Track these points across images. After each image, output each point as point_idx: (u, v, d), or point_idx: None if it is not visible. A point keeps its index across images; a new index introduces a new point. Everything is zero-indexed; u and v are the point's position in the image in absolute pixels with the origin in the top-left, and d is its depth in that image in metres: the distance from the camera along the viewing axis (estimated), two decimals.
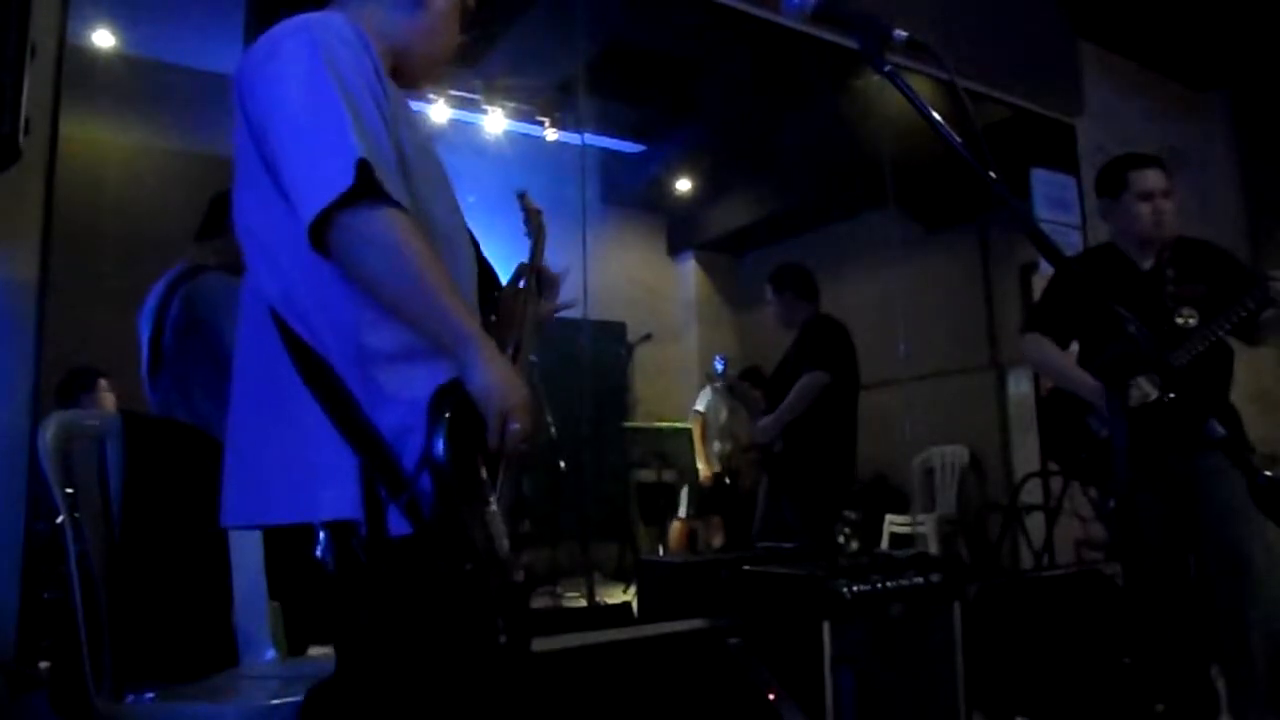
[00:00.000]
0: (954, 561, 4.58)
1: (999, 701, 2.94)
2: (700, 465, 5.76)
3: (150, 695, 1.68)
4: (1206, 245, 2.76)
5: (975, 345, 5.98)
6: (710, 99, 6.11)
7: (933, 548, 5.14)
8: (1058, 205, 4.96)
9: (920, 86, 1.29)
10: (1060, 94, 5.22)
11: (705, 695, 2.46)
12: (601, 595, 4.53)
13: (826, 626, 2.42)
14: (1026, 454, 5.40)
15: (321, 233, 1.12)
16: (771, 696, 2.40)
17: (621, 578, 5.13)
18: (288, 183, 1.15)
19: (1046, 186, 4.98)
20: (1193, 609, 2.60)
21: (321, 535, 1.15)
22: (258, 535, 1.86)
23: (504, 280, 1.56)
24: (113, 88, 4.15)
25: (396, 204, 1.14)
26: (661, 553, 5.58)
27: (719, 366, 5.77)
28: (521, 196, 1.74)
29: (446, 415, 1.12)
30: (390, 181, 1.14)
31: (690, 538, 5.80)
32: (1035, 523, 4.87)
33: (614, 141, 6.59)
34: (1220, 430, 2.54)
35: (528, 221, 1.70)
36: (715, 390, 5.95)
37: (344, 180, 1.10)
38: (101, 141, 4.20)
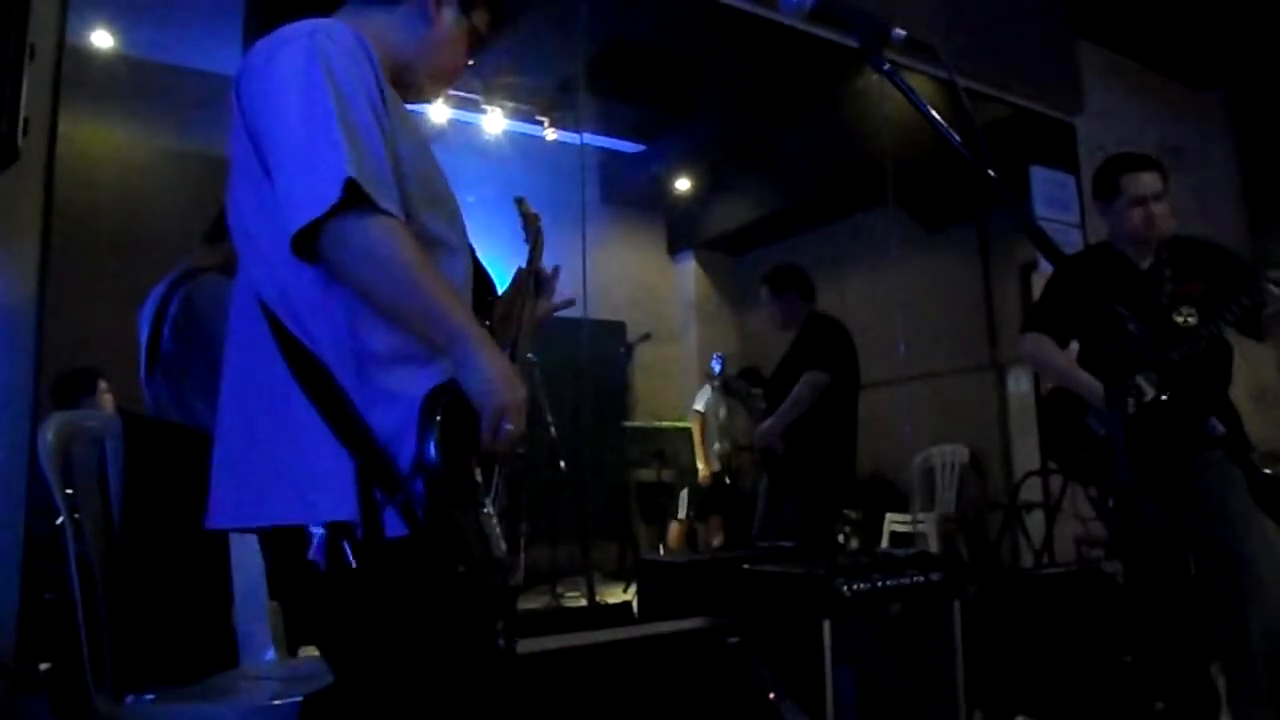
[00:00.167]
0: (954, 560, 4.58)
1: (999, 700, 2.94)
2: (700, 465, 5.77)
3: (150, 696, 1.68)
4: (1205, 243, 2.76)
5: (975, 345, 5.98)
6: (710, 99, 6.11)
7: (933, 547, 5.14)
8: (1057, 204, 4.96)
9: (920, 85, 1.30)
10: (1060, 93, 5.22)
11: (705, 695, 2.45)
12: (601, 595, 4.52)
13: (827, 625, 2.42)
14: (1026, 453, 5.40)
15: (309, 242, 1.12)
16: (771, 696, 2.40)
17: (621, 578, 5.12)
18: (278, 192, 1.15)
19: (1046, 185, 4.98)
20: (1193, 608, 2.60)
21: (315, 537, 1.14)
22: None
23: (501, 285, 1.56)
24: (112, 88, 4.15)
25: (387, 212, 1.14)
26: (661, 552, 5.58)
27: (716, 367, 5.77)
28: (519, 202, 1.74)
29: (438, 418, 1.12)
30: (382, 192, 1.14)
31: (690, 537, 5.80)
32: (1035, 521, 4.87)
33: (614, 141, 6.60)
34: (1220, 428, 2.55)
35: (526, 227, 1.70)
36: (714, 389, 5.95)
37: (331, 195, 1.10)
38: (100, 142, 4.20)
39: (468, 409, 1.16)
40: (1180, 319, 2.57)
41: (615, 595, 4.71)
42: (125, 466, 1.83)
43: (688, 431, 5.80)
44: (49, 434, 1.73)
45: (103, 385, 3.18)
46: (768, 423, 3.90)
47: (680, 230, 7.78)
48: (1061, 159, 5.13)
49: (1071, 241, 4.80)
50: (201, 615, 1.91)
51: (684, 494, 5.74)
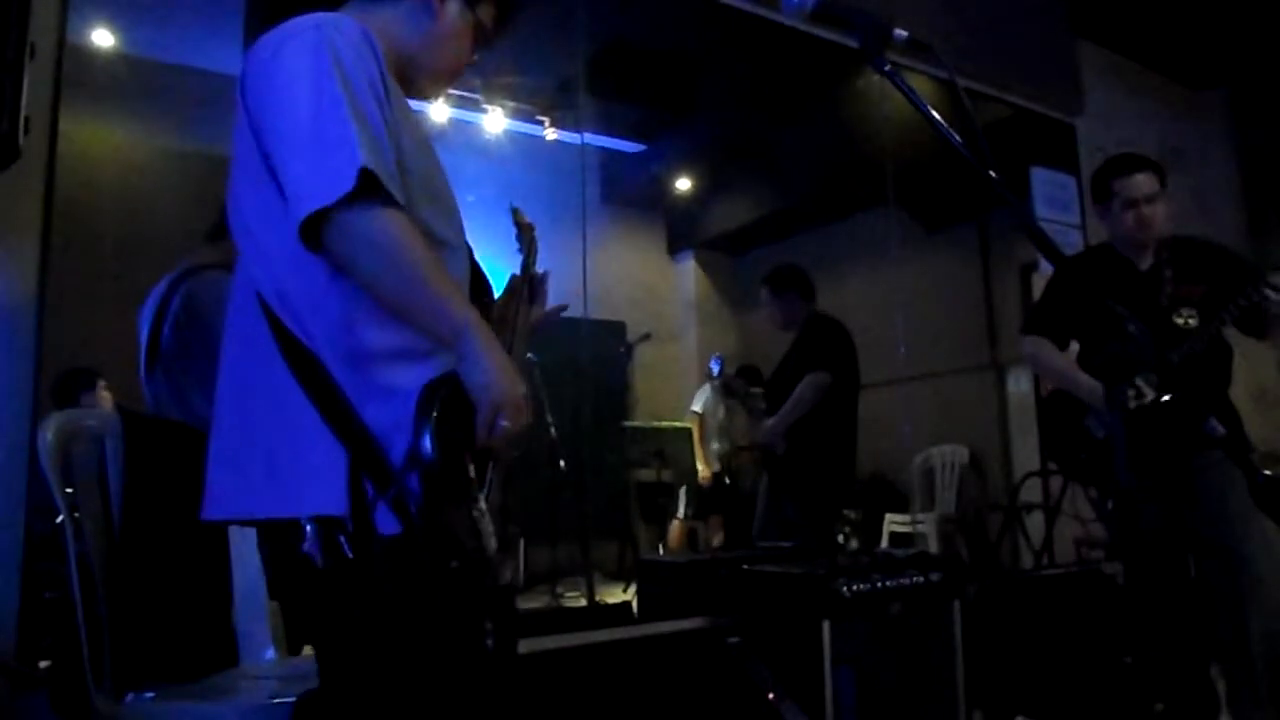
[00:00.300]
0: (954, 561, 4.58)
1: (999, 701, 2.94)
2: (699, 465, 5.77)
3: (150, 695, 1.68)
4: (1205, 244, 2.76)
5: (975, 345, 5.98)
6: (710, 99, 6.11)
7: (933, 547, 5.14)
8: (1057, 205, 4.96)
9: (920, 86, 1.30)
10: (1060, 93, 5.22)
11: (705, 695, 2.45)
12: (601, 595, 4.52)
13: (826, 626, 2.42)
14: (1026, 453, 5.40)
15: (315, 231, 1.12)
16: (771, 696, 2.40)
17: (621, 577, 5.12)
18: (285, 180, 1.15)
19: (1046, 186, 4.98)
20: (1193, 609, 2.60)
21: (308, 530, 1.14)
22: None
23: (497, 286, 1.56)
24: (112, 88, 4.15)
25: (395, 204, 1.14)
26: (661, 552, 5.58)
27: (714, 368, 5.78)
28: (514, 211, 1.74)
29: (435, 412, 1.12)
30: (390, 185, 1.14)
31: (690, 537, 5.80)
32: (1035, 522, 4.87)
33: (614, 141, 6.60)
34: (1220, 429, 2.55)
35: (520, 236, 1.70)
36: (713, 389, 5.96)
37: (345, 183, 1.10)
38: (101, 141, 4.20)
39: (465, 404, 1.16)
40: (1180, 320, 2.58)
41: (615, 595, 4.71)
42: (125, 465, 1.83)
43: (688, 431, 5.80)
44: (49, 433, 1.73)
45: (101, 383, 3.18)
46: (770, 423, 3.91)
47: (680, 230, 7.78)
48: (1062, 159, 5.13)
49: (1072, 243, 4.80)
50: (201, 614, 1.91)
51: (683, 494, 5.74)
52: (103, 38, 4.19)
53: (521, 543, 4.77)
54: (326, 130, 1.13)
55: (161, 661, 1.75)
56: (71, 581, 1.67)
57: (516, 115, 5.83)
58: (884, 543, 5.43)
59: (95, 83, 3.96)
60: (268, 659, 1.96)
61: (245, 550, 1.90)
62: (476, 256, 1.43)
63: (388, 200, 1.13)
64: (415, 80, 1.40)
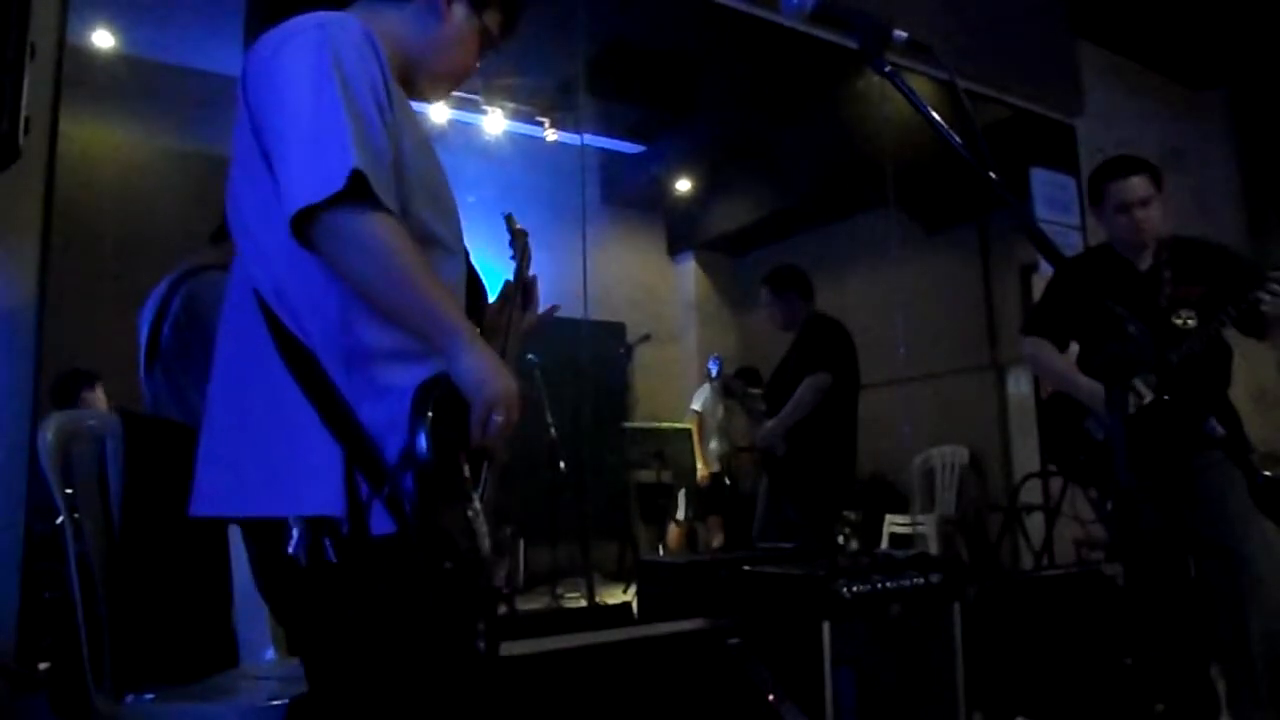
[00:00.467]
0: (954, 561, 4.58)
1: (999, 701, 2.94)
2: (699, 465, 5.77)
3: (150, 695, 1.68)
4: (1205, 244, 2.77)
5: (975, 345, 5.98)
6: (710, 99, 6.11)
7: (933, 548, 5.14)
8: (1057, 205, 4.96)
9: (920, 86, 1.30)
10: (1060, 94, 5.22)
11: (705, 695, 2.45)
12: (601, 595, 4.53)
13: (826, 626, 2.42)
14: (1026, 454, 5.40)
15: (306, 228, 1.12)
16: (771, 698, 2.40)
17: (621, 578, 5.13)
18: (280, 176, 1.15)
19: (1046, 187, 4.98)
20: (1192, 609, 2.60)
21: (295, 531, 1.13)
22: None
23: (492, 291, 1.56)
24: (112, 88, 4.14)
25: (384, 208, 1.14)
26: (661, 553, 5.58)
27: (713, 368, 5.78)
28: (507, 218, 1.75)
29: (429, 412, 1.12)
30: (382, 188, 1.14)
31: (690, 538, 5.80)
32: (1035, 523, 4.87)
33: (614, 141, 6.60)
34: (1219, 429, 2.55)
35: (513, 243, 1.71)
36: (712, 389, 5.95)
37: (335, 183, 1.09)
38: (101, 141, 4.20)
39: (459, 403, 1.16)
40: (1179, 321, 2.58)
41: (615, 596, 4.71)
42: (125, 466, 1.83)
43: (688, 432, 5.80)
44: (49, 433, 1.73)
45: (99, 385, 3.18)
46: (770, 424, 3.91)
47: (680, 231, 7.78)
48: (1062, 160, 5.14)
49: (1072, 243, 4.80)
50: (201, 615, 1.91)
51: (683, 494, 5.74)
52: (103, 38, 4.19)
53: (521, 543, 4.78)
54: (322, 130, 1.13)
55: (161, 662, 1.75)
56: (71, 582, 1.67)
57: (516, 116, 5.83)
58: (884, 544, 5.43)
59: (95, 83, 3.95)
60: (267, 659, 1.96)
61: (245, 550, 1.90)
62: (474, 260, 1.43)
63: (377, 204, 1.13)
64: (418, 83, 1.40)
